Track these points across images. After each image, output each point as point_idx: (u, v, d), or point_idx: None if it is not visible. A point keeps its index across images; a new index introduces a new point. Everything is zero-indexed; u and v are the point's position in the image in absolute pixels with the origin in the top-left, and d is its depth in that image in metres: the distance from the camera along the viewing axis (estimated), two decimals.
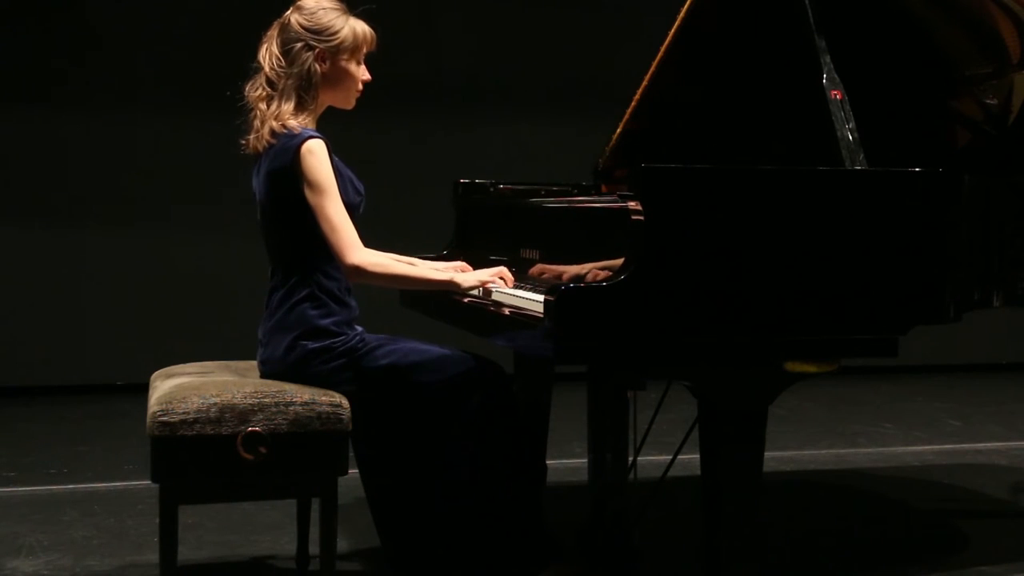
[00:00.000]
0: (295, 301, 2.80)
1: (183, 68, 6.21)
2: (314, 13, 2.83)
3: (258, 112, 2.82)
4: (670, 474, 3.24)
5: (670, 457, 3.17)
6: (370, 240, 2.84)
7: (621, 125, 3.43)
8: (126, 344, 6.23)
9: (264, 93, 2.82)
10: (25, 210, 6.19)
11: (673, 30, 3.17)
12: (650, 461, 3.63)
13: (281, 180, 2.76)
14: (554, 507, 3.41)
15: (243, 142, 2.86)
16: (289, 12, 2.86)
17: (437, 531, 2.80)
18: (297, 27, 2.82)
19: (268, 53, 2.84)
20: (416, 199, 6.13)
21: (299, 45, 2.81)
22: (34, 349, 6.23)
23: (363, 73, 2.92)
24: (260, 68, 2.85)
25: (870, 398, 6.36)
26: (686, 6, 3.12)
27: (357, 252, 2.74)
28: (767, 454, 2.64)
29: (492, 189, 3.67)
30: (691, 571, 2.93)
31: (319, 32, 2.82)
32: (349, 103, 2.94)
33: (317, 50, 2.82)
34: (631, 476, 3.16)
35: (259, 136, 2.80)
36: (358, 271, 2.75)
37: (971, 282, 2.79)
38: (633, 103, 3.35)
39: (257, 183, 2.86)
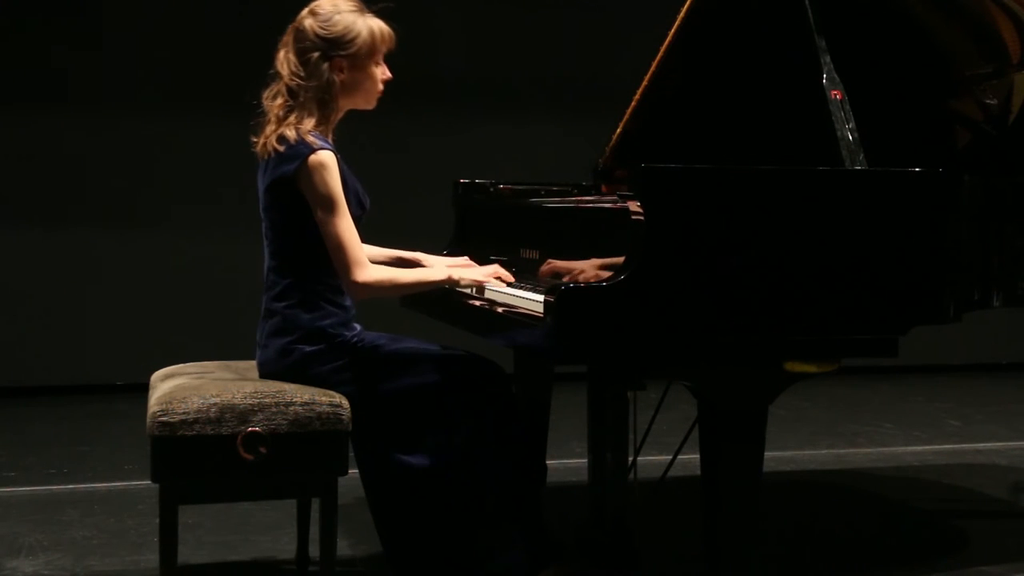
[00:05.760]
0: (288, 304, 2.79)
1: (184, 68, 6.21)
2: (329, 19, 2.75)
3: (272, 119, 2.76)
4: (670, 474, 3.24)
5: (670, 457, 3.17)
6: (370, 241, 2.83)
7: (621, 125, 3.43)
8: (126, 344, 6.23)
9: (283, 101, 2.75)
10: (25, 210, 6.19)
11: (673, 30, 3.17)
12: (650, 461, 3.63)
13: (283, 185, 2.73)
14: (554, 507, 3.41)
15: (253, 140, 2.81)
16: (304, 16, 2.78)
17: (437, 531, 2.79)
18: (313, 36, 2.74)
19: (286, 60, 2.76)
20: (416, 199, 6.13)
21: (316, 55, 2.73)
22: (34, 349, 6.23)
23: (383, 73, 2.85)
24: (279, 75, 2.77)
25: (870, 398, 6.36)
26: (686, 6, 3.12)
27: (362, 271, 2.71)
28: (767, 454, 2.64)
29: (492, 189, 3.67)
30: (691, 571, 2.93)
31: (336, 41, 2.74)
32: (370, 104, 2.88)
33: (335, 60, 2.75)
34: (631, 476, 3.16)
35: (268, 141, 2.75)
36: (363, 289, 2.73)
37: (971, 282, 2.79)
38: (633, 103, 3.35)
39: (261, 186, 2.84)
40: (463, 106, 6.57)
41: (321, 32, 2.74)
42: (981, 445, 5.13)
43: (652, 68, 3.26)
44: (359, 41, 2.76)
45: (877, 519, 3.97)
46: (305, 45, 2.75)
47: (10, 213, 6.17)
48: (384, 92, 2.90)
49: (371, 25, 2.78)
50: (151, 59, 6.23)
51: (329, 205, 2.69)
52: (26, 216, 6.20)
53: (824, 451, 4.99)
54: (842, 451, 5.01)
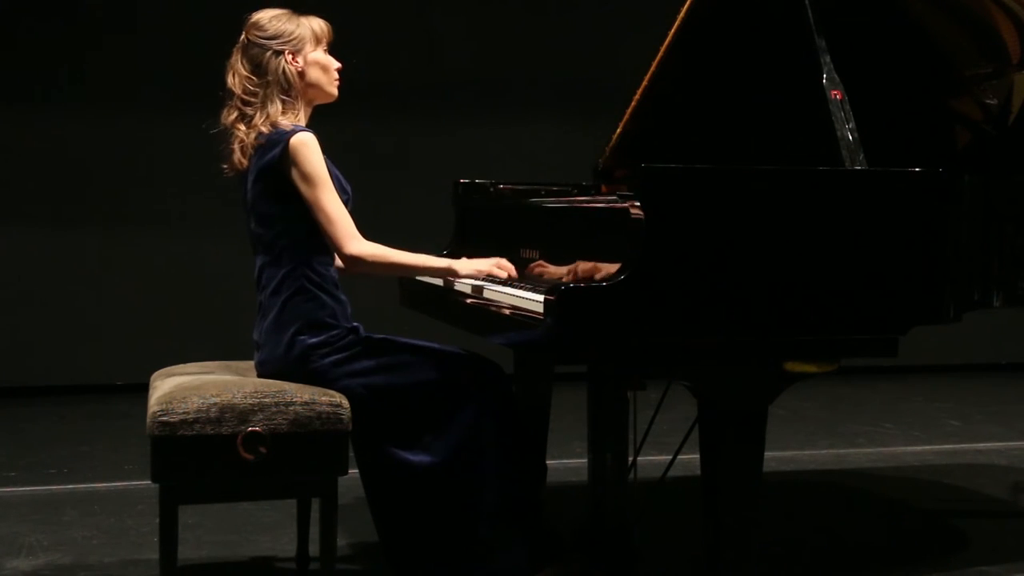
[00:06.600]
0: (287, 297, 2.81)
1: (183, 67, 6.19)
2: (267, 24, 2.90)
3: (236, 132, 2.84)
4: (670, 474, 3.24)
5: (670, 457, 3.17)
6: (370, 240, 2.83)
7: (621, 125, 3.43)
8: (126, 344, 6.23)
9: (239, 114, 2.85)
10: (24, 210, 6.19)
11: (673, 30, 3.17)
12: (650, 461, 3.63)
13: (271, 173, 2.78)
14: (554, 507, 3.41)
15: (224, 167, 2.89)
16: (243, 35, 2.92)
17: (436, 530, 2.79)
18: (258, 41, 2.88)
19: (236, 76, 2.88)
20: (416, 199, 6.13)
21: (267, 55, 2.87)
22: (34, 349, 6.23)
23: (333, 61, 2.96)
24: (233, 93, 2.88)
25: (870, 398, 6.36)
26: (686, 6, 3.12)
27: (356, 242, 2.77)
28: (767, 454, 2.64)
29: (492, 189, 3.67)
30: (691, 571, 2.93)
31: (278, 35, 2.88)
32: (332, 93, 2.97)
33: (284, 51, 2.87)
34: (631, 476, 3.16)
35: (244, 146, 2.82)
36: (358, 261, 2.78)
37: (971, 282, 2.79)
38: (633, 103, 3.35)
39: (246, 189, 2.87)
40: (463, 106, 6.57)
41: (263, 34, 2.89)
42: (981, 445, 5.14)
43: (652, 68, 3.26)
44: (299, 31, 2.91)
45: (877, 519, 3.97)
46: (253, 52, 2.89)
47: (10, 213, 6.17)
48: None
49: (306, 21, 2.94)
50: (151, 59, 6.23)
51: (316, 181, 2.75)
52: (26, 216, 6.20)
53: (824, 451, 4.99)
54: (842, 451, 5.01)
